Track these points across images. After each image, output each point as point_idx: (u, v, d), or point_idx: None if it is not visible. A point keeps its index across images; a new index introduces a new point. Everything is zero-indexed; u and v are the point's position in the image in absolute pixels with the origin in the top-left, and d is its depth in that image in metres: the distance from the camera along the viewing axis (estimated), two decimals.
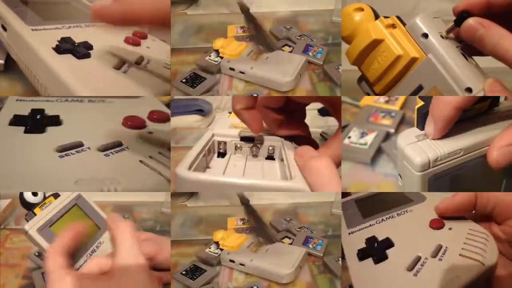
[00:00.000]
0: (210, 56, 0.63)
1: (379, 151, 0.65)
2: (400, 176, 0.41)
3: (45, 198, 0.44)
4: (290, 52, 0.64)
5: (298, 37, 0.65)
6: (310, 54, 0.64)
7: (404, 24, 0.42)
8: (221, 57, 0.62)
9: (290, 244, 0.72)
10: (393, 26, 0.42)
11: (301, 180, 0.34)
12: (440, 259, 0.34)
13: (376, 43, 0.42)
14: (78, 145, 0.50)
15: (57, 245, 0.39)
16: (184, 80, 0.61)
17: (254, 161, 0.44)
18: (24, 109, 0.55)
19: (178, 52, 0.63)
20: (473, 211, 0.38)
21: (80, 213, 0.47)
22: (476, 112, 0.41)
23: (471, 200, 0.38)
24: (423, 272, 0.33)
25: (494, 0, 0.38)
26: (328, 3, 0.67)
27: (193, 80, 0.61)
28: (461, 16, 0.39)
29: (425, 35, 0.40)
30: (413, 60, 0.41)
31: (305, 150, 0.38)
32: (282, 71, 0.60)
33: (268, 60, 0.62)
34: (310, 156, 0.36)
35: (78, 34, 0.54)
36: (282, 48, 0.64)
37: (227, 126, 0.47)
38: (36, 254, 0.62)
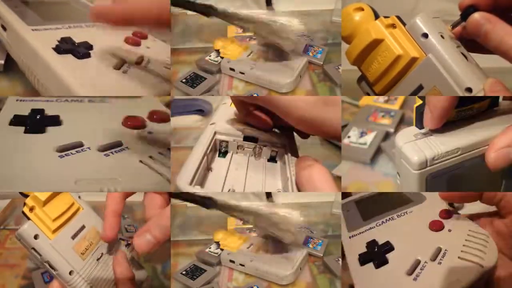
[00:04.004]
0: (210, 56, 0.63)
1: (378, 151, 0.65)
2: (399, 175, 0.41)
3: None
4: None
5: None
6: (310, 54, 0.63)
7: (404, 24, 0.42)
8: (221, 57, 0.62)
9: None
10: (393, 26, 0.42)
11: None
12: (439, 263, 0.34)
13: (376, 43, 0.42)
14: (78, 145, 0.50)
15: None
16: (184, 80, 0.61)
17: (256, 163, 0.44)
18: (24, 109, 0.55)
19: (178, 52, 0.63)
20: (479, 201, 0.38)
21: None
22: (476, 112, 0.41)
23: None
24: (423, 276, 0.33)
25: None
26: (328, 3, 0.67)
27: (193, 80, 0.61)
28: (468, 10, 0.39)
29: (425, 35, 0.40)
30: (413, 60, 0.41)
31: (302, 160, 0.38)
32: (282, 72, 0.60)
33: (268, 60, 0.62)
34: (303, 166, 0.36)
35: (78, 34, 0.54)
36: None
37: (229, 116, 0.47)
38: None
